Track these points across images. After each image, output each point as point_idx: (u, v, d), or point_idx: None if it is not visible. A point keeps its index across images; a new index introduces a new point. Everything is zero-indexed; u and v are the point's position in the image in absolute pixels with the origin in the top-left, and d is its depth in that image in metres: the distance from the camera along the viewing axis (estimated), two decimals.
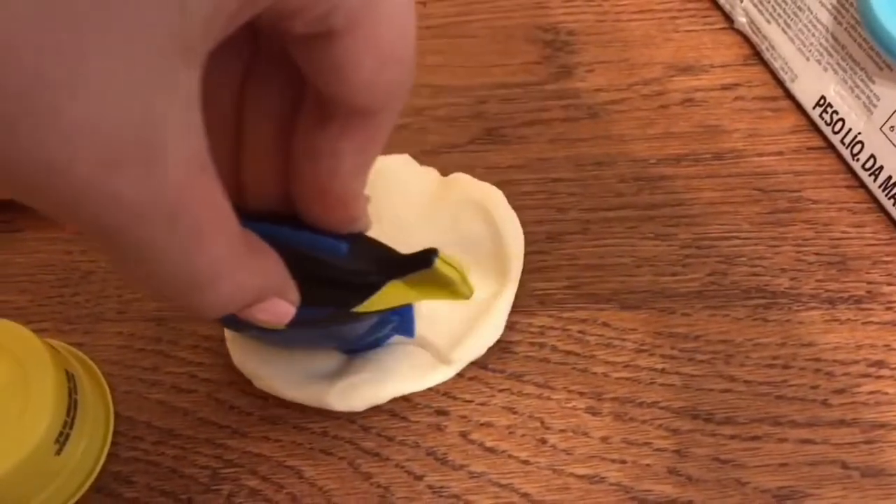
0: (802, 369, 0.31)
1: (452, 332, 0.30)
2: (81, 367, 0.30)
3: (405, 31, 0.17)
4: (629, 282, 0.33)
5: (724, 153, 0.36)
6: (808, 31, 0.36)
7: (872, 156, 0.34)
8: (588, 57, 0.40)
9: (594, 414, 0.30)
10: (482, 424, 0.30)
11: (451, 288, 0.23)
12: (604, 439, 0.29)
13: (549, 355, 0.31)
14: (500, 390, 0.31)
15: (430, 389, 0.30)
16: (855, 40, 0.33)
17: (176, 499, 0.29)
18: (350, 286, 0.22)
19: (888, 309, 0.32)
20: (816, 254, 0.33)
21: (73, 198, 0.13)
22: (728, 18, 0.40)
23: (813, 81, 0.36)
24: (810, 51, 0.36)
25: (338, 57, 0.16)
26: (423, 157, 0.35)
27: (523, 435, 0.30)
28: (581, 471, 0.29)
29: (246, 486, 0.29)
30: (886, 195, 0.34)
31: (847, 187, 0.35)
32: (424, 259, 0.21)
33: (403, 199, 0.33)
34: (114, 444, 0.30)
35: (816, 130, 0.37)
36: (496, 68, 0.39)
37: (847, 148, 0.35)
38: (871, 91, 0.33)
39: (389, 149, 0.35)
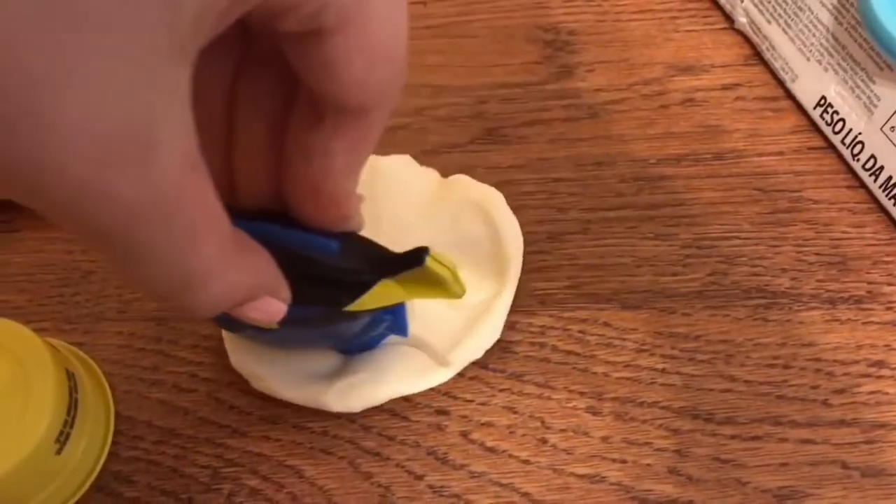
0: (803, 369, 0.31)
1: (450, 334, 0.30)
2: (82, 367, 0.29)
3: (397, 30, 0.17)
4: (629, 282, 0.33)
5: (725, 153, 0.36)
6: (809, 31, 0.36)
7: (873, 156, 0.34)
8: (588, 57, 0.40)
9: (595, 414, 0.30)
10: (483, 424, 0.30)
11: (442, 286, 0.23)
12: (604, 439, 0.29)
13: (549, 355, 0.31)
14: (501, 390, 0.31)
15: (430, 389, 0.30)
16: (855, 40, 0.33)
17: (176, 498, 0.29)
18: (341, 285, 0.22)
19: (888, 309, 0.32)
20: (817, 254, 0.33)
21: (68, 197, 0.13)
22: (728, 18, 0.40)
23: (813, 82, 0.36)
24: (811, 51, 0.36)
25: (329, 55, 0.16)
26: (423, 156, 0.35)
27: (524, 435, 0.30)
28: (581, 470, 0.29)
29: (246, 485, 0.29)
30: (887, 195, 0.34)
31: (847, 187, 0.35)
32: (415, 257, 0.21)
33: (403, 199, 0.33)
34: (114, 443, 0.30)
35: (817, 130, 0.37)
36: (497, 68, 0.39)
37: (847, 148, 0.35)
38: (872, 91, 0.33)
39: (390, 149, 0.35)
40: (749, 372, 0.31)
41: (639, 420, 0.30)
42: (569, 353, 0.31)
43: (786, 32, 0.37)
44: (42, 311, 0.33)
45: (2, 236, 0.34)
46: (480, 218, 0.33)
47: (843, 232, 0.34)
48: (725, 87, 0.38)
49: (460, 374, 0.31)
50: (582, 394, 0.30)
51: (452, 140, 0.37)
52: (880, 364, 0.31)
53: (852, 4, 0.33)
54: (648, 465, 0.29)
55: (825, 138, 0.36)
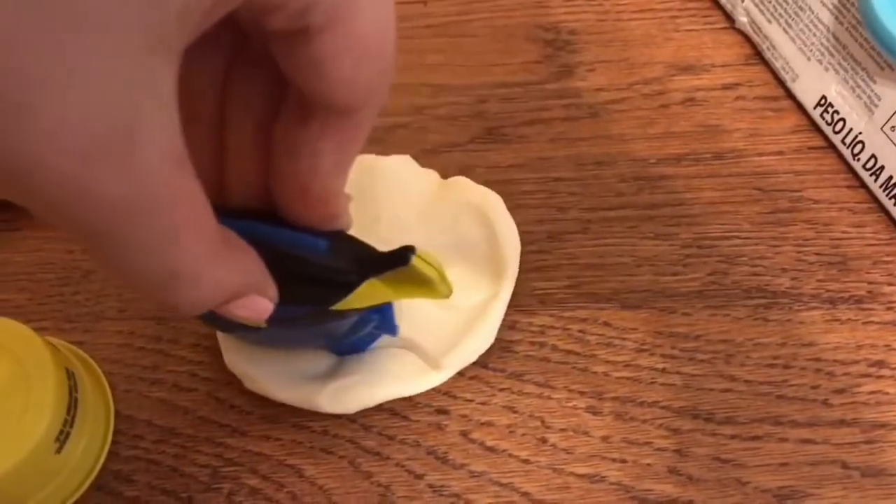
0: (803, 369, 0.31)
1: (445, 337, 0.30)
2: (82, 366, 0.29)
3: (385, 28, 0.17)
4: (630, 281, 0.33)
5: (725, 153, 0.36)
6: (810, 30, 0.36)
7: (873, 156, 0.34)
8: (589, 56, 0.39)
9: (595, 413, 0.30)
10: (483, 423, 0.30)
11: (429, 286, 0.22)
12: (604, 439, 0.29)
13: (549, 355, 0.31)
14: (501, 389, 0.31)
15: (430, 388, 0.30)
16: (856, 40, 0.33)
17: (176, 497, 0.29)
18: (329, 284, 0.22)
19: (889, 309, 0.32)
20: (817, 254, 0.33)
21: (51, 193, 0.13)
22: (729, 18, 0.40)
23: (814, 81, 0.36)
24: (811, 51, 0.36)
25: (316, 53, 0.16)
26: (423, 156, 0.35)
27: (524, 434, 0.30)
28: (581, 470, 0.29)
29: (246, 484, 0.29)
30: (887, 195, 0.34)
31: (848, 187, 0.35)
32: (401, 257, 0.21)
33: (403, 199, 0.33)
34: (114, 442, 0.30)
35: (817, 130, 0.37)
36: (497, 67, 0.39)
37: (848, 148, 0.35)
38: (873, 91, 0.33)
39: (390, 148, 0.35)
40: (749, 372, 0.31)
41: (639, 420, 0.30)
42: (569, 352, 0.31)
43: (786, 32, 0.37)
44: (42, 310, 0.33)
45: (2, 235, 0.34)
46: (479, 220, 0.33)
47: (844, 232, 0.34)
48: (726, 87, 0.38)
49: (460, 374, 0.31)
50: (582, 393, 0.30)
51: (452, 139, 0.37)
52: (880, 364, 0.31)
53: (853, 4, 0.33)
54: (648, 464, 0.29)
55: (825, 138, 0.36)
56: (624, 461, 0.29)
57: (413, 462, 0.29)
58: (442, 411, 0.30)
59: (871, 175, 0.34)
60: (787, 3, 0.36)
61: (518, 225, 0.33)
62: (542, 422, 0.30)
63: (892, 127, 0.33)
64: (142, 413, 0.30)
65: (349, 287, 0.22)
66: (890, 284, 0.33)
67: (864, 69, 0.33)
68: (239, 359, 0.30)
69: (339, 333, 0.27)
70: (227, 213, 0.20)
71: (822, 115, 0.36)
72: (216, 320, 0.24)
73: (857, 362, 0.31)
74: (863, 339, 0.31)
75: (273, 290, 0.21)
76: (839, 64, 0.35)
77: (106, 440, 0.29)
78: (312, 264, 0.21)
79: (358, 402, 0.29)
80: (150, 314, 0.32)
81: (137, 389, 0.31)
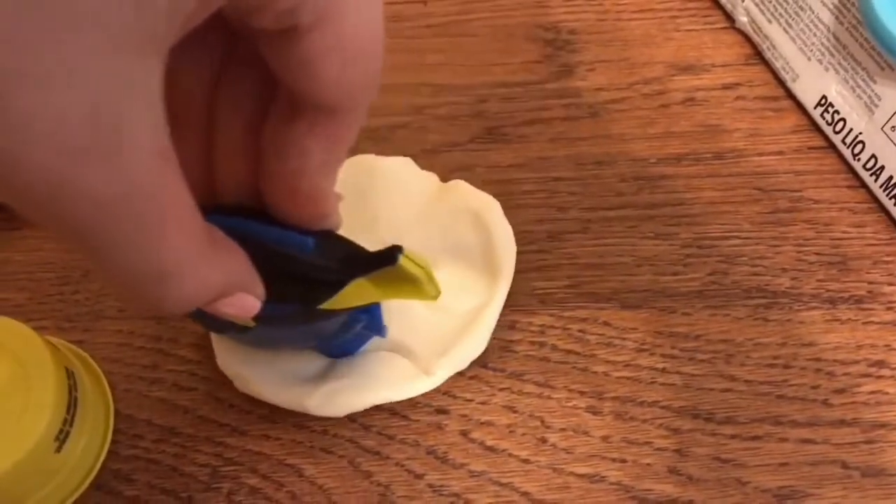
0: (803, 369, 0.31)
1: (436, 342, 0.30)
2: (81, 365, 0.29)
3: (373, 28, 0.17)
4: (630, 281, 0.33)
5: (725, 153, 0.36)
6: (810, 30, 0.36)
7: (873, 156, 0.34)
8: (589, 56, 0.39)
9: (595, 413, 0.30)
10: (482, 423, 0.30)
11: (416, 287, 0.22)
12: (604, 438, 0.29)
13: (549, 354, 0.31)
14: (501, 389, 0.31)
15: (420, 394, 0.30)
16: (856, 40, 0.33)
17: (176, 497, 0.29)
18: (317, 283, 0.22)
19: (889, 309, 0.32)
20: (817, 254, 0.33)
21: (36, 189, 0.13)
22: (729, 18, 0.40)
23: (814, 81, 0.36)
24: (811, 50, 0.36)
25: (304, 53, 0.16)
26: (423, 155, 0.35)
27: (523, 434, 0.30)
28: (581, 470, 0.29)
29: (246, 484, 0.29)
30: (887, 195, 0.34)
31: (848, 187, 0.35)
32: (389, 256, 0.21)
33: (402, 200, 0.33)
34: (114, 441, 0.30)
35: (817, 130, 0.37)
36: (497, 67, 0.39)
37: (848, 148, 0.35)
38: (873, 91, 0.33)
39: (390, 147, 0.35)
40: (749, 372, 0.31)
41: (639, 419, 0.30)
42: (569, 352, 0.31)
43: (786, 32, 0.37)
44: (42, 310, 0.33)
45: (2, 234, 0.34)
46: (476, 225, 0.33)
47: (844, 232, 0.34)
48: (726, 87, 0.38)
49: (460, 374, 0.31)
50: (582, 393, 0.30)
51: (452, 139, 0.37)
52: (880, 364, 0.31)
53: (853, 4, 0.33)
54: (648, 464, 0.29)
55: (826, 138, 0.36)
56: (624, 461, 0.29)
57: (413, 462, 0.29)
58: (442, 411, 0.30)
59: (871, 175, 0.34)
60: (788, 3, 0.36)
61: (518, 224, 0.33)
62: (542, 421, 0.30)
63: (893, 127, 0.33)
64: (141, 412, 0.30)
65: (337, 286, 0.22)
66: (890, 284, 0.33)
67: (864, 69, 0.33)
68: (231, 360, 0.29)
69: (328, 333, 0.27)
70: (216, 210, 0.20)
71: (822, 115, 0.36)
72: (206, 319, 0.24)
73: (857, 362, 0.31)
74: (863, 339, 0.31)
75: (260, 289, 0.21)
76: (839, 64, 0.35)
77: (105, 439, 0.29)
78: (300, 263, 0.21)
79: (347, 406, 0.29)
80: (150, 313, 0.32)
81: (137, 389, 0.31)
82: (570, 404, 0.30)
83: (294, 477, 0.29)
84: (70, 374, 0.27)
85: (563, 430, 0.30)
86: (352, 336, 0.28)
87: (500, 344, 0.31)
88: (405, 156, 0.35)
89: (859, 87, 0.34)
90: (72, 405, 0.27)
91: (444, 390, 0.30)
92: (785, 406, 0.30)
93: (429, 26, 0.41)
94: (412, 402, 0.30)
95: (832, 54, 0.35)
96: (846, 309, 0.32)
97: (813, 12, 0.35)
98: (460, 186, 0.34)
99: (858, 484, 0.28)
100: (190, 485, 0.29)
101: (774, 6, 0.37)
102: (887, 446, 0.29)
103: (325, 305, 0.23)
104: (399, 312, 0.30)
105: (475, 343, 0.30)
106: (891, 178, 0.33)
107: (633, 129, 0.37)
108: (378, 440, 0.30)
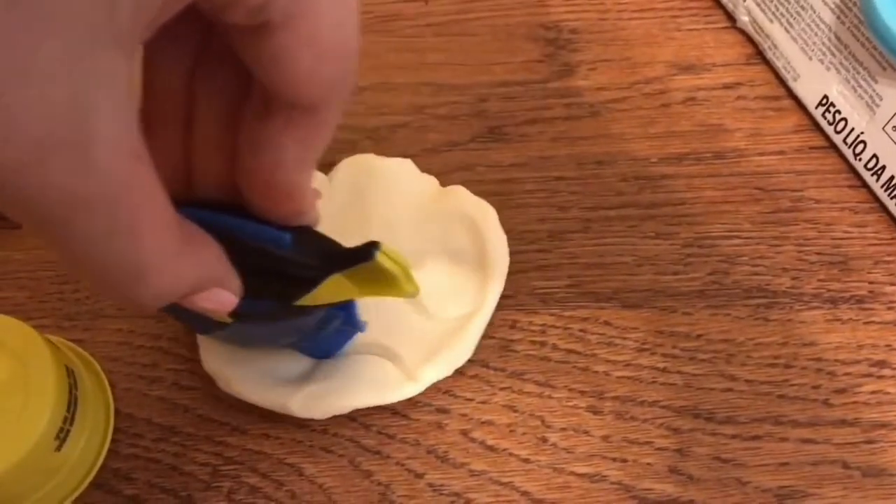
0: (804, 369, 0.31)
1: (423, 348, 0.30)
2: (82, 364, 0.29)
3: (345, 25, 0.17)
4: (630, 280, 0.33)
5: (726, 152, 0.36)
6: (811, 30, 0.36)
7: (875, 155, 0.34)
8: (590, 55, 0.39)
9: (595, 413, 0.30)
10: (483, 423, 0.30)
11: (394, 284, 0.22)
12: (605, 438, 0.29)
13: (550, 354, 0.31)
14: (501, 388, 0.30)
15: (430, 387, 0.30)
16: (858, 40, 0.33)
17: (176, 496, 0.29)
18: (294, 279, 0.22)
19: (890, 309, 0.32)
20: (818, 253, 0.33)
21: (5, 185, 0.13)
22: (730, 17, 0.40)
23: (815, 81, 0.36)
24: (813, 50, 0.36)
25: (276, 49, 0.16)
26: (424, 155, 0.35)
27: (524, 433, 0.30)
28: (582, 469, 0.29)
29: (246, 483, 0.29)
30: (889, 195, 0.34)
31: (849, 187, 0.35)
32: (365, 252, 0.21)
33: (398, 202, 0.33)
34: (114, 440, 0.30)
35: (819, 130, 0.37)
36: (497, 66, 0.39)
37: (849, 148, 0.35)
38: (874, 91, 0.33)
39: (390, 147, 0.35)
40: (750, 371, 0.31)
41: (639, 419, 0.30)
42: (569, 351, 0.31)
43: (788, 31, 0.37)
44: (42, 308, 0.33)
45: (2, 233, 0.34)
46: (470, 232, 0.32)
47: (845, 231, 0.34)
48: (727, 87, 0.38)
49: (460, 373, 0.30)
50: (582, 393, 0.30)
51: (453, 138, 0.37)
52: (881, 364, 0.31)
53: (855, 4, 0.33)
54: (649, 464, 0.29)
55: (827, 138, 0.36)
56: (624, 461, 0.29)
57: (413, 461, 0.29)
58: (442, 410, 0.30)
59: (872, 175, 0.34)
60: (789, 3, 0.36)
61: (519, 224, 0.33)
62: (543, 421, 0.30)
63: (894, 127, 0.32)
64: (141, 411, 0.30)
65: (314, 282, 0.22)
66: (891, 284, 0.32)
67: (865, 69, 0.33)
68: (214, 359, 0.29)
69: (306, 329, 0.27)
70: (192, 203, 0.19)
71: (823, 115, 0.36)
72: (184, 315, 0.23)
73: (858, 362, 0.31)
74: (864, 338, 0.31)
75: (236, 283, 0.21)
76: (841, 63, 0.35)
77: (105, 438, 0.29)
78: (277, 258, 0.21)
79: (329, 409, 0.29)
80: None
81: (137, 387, 0.31)
82: (570, 404, 0.30)
83: (294, 476, 0.29)
84: (70, 373, 0.27)
85: (563, 429, 0.30)
86: (331, 332, 0.28)
87: (500, 343, 0.31)
88: (406, 155, 0.35)
89: (861, 86, 0.34)
90: (72, 404, 0.27)
91: (444, 389, 0.30)
92: (786, 406, 0.30)
93: (429, 25, 0.41)
94: (412, 402, 0.30)
95: (833, 54, 0.35)
96: (847, 309, 0.32)
97: (814, 12, 0.35)
98: (458, 192, 0.33)
99: (859, 484, 0.28)
100: (190, 484, 0.29)
101: (776, 6, 0.37)
102: (888, 446, 0.29)
103: (303, 301, 0.22)
104: (384, 315, 0.29)
105: (461, 351, 0.30)
106: (892, 177, 0.33)
107: (634, 129, 0.37)
108: (378, 439, 0.30)
